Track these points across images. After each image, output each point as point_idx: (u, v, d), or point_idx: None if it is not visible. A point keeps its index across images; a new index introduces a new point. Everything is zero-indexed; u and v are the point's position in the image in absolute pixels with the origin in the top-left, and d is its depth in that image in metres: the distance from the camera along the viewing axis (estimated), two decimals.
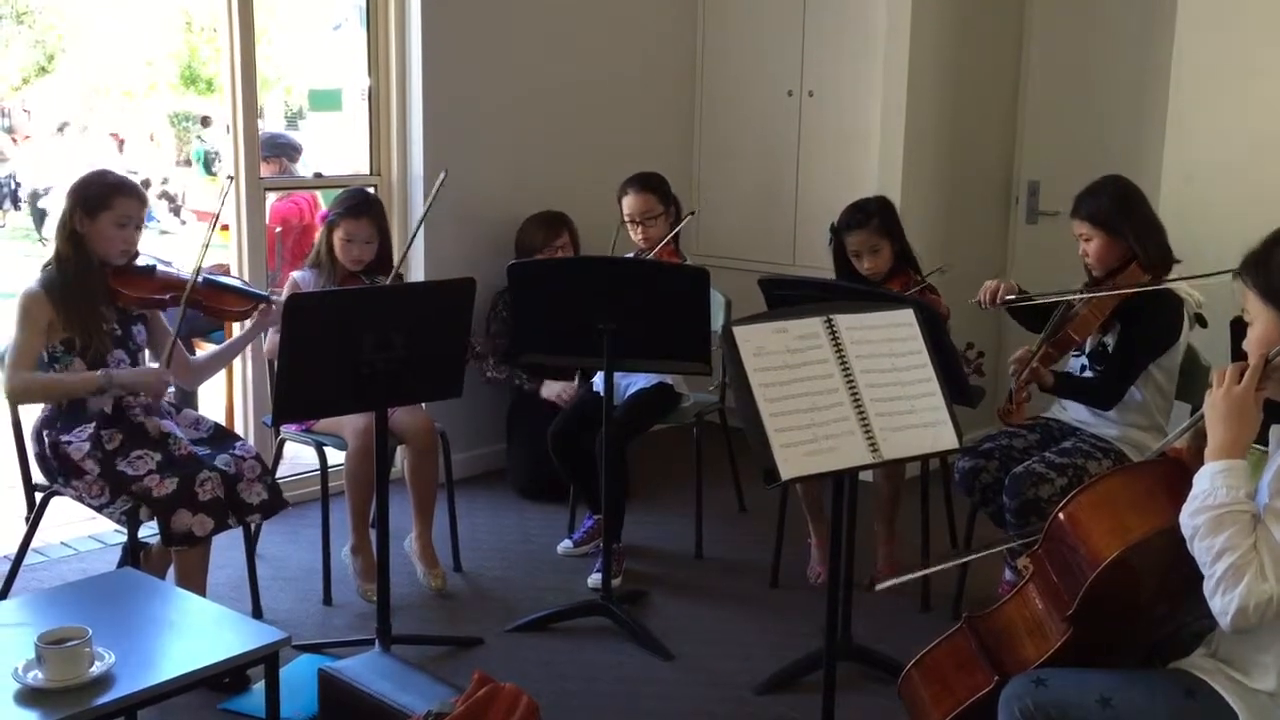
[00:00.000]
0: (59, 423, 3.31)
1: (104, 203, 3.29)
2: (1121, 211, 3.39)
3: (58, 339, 3.28)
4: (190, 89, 19.66)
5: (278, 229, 5.47)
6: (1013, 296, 3.50)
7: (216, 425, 3.57)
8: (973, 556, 2.79)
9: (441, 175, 3.63)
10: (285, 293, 3.82)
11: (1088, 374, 3.49)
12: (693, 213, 4.37)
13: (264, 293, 3.69)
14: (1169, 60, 4.28)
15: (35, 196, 15.20)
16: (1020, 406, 3.30)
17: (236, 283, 3.67)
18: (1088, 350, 3.50)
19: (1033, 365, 3.29)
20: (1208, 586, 1.95)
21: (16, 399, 3.32)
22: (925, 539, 3.85)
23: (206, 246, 3.43)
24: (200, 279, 3.44)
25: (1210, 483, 1.98)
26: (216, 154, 15.79)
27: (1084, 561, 2.14)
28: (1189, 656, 2.15)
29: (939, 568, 2.80)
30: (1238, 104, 4.12)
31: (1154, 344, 3.39)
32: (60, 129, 17.37)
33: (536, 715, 1.88)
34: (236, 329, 3.72)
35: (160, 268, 3.45)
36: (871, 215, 3.80)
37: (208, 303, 3.48)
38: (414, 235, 4.00)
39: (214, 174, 16.42)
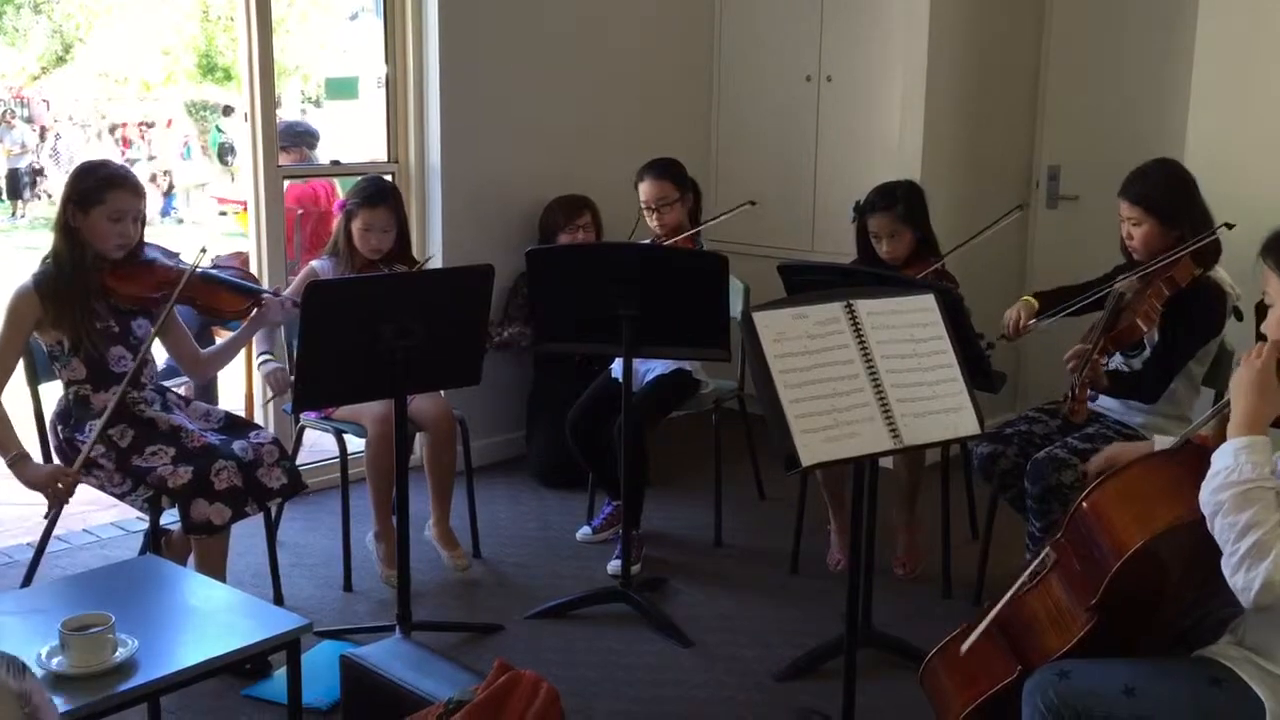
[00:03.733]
0: (71, 419, 3.32)
1: (97, 197, 3.23)
2: (1178, 200, 3.31)
3: (54, 338, 3.27)
4: (208, 78, 19.71)
5: (299, 212, 5.47)
6: (1033, 321, 3.47)
7: (228, 414, 3.56)
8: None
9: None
10: (299, 280, 3.83)
11: (1119, 364, 3.45)
12: (753, 202, 4.31)
13: (261, 288, 3.64)
14: (1192, 43, 4.24)
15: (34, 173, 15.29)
16: (1084, 403, 3.23)
17: (235, 278, 3.58)
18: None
19: (1094, 359, 3.18)
20: (1229, 563, 1.93)
21: None
22: (945, 525, 3.84)
23: (201, 257, 3.42)
24: (198, 274, 3.39)
25: (1234, 459, 1.96)
26: (232, 144, 15.88)
27: (1108, 551, 2.12)
28: (1214, 645, 2.13)
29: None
30: (1261, 87, 4.08)
31: (1199, 337, 3.34)
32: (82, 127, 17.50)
33: (556, 702, 1.88)
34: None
35: (161, 261, 3.41)
36: (896, 201, 3.77)
37: (201, 300, 3.44)
38: (426, 260, 4.05)
39: (227, 164, 16.51)
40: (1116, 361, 3.44)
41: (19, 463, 3.22)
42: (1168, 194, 3.32)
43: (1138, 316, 3.23)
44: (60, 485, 3.20)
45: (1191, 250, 3.24)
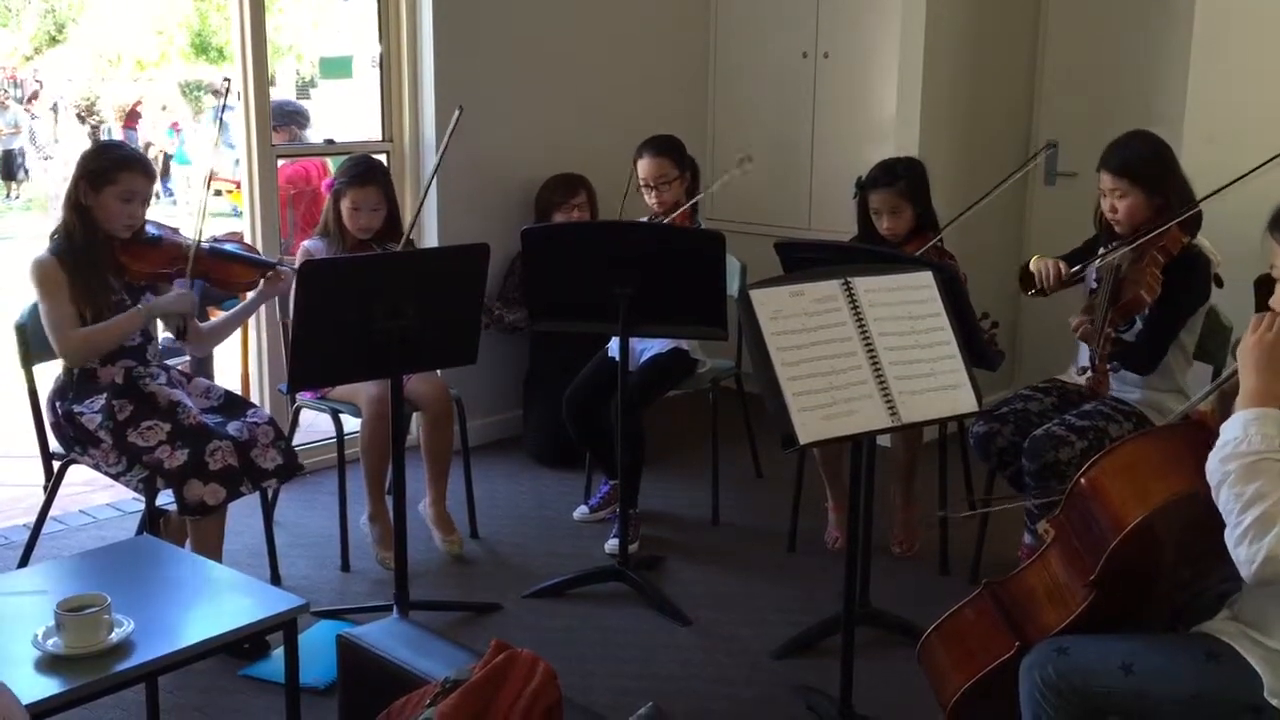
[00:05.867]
0: (70, 394, 3.32)
1: (109, 177, 3.26)
2: (1160, 169, 3.34)
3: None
4: (201, 57, 19.62)
5: (291, 191, 5.44)
6: (1076, 269, 3.43)
7: (227, 393, 3.56)
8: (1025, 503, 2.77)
9: (456, 113, 3.58)
10: (297, 262, 3.81)
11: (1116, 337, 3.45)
12: (749, 158, 4.14)
13: (272, 260, 3.66)
14: (1190, 18, 4.22)
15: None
16: (1106, 374, 3.23)
17: (244, 252, 3.63)
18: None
19: (1106, 333, 3.20)
20: (1232, 535, 1.90)
21: (79, 359, 3.29)
22: (943, 503, 3.84)
23: (204, 212, 3.41)
24: (206, 248, 3.42)
25: (1244, 430, 1.93)
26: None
27: (1106, 527, 2.12)
28: (1211, 620, 2.13)
29: (1003, 506, 2.80)
30: (1260, 62, 4.06)
31: (1189, 304, 3.37)
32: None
33: (554, 681, 1.87)
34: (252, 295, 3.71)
35: (168, 238, 3.43)
36: (899, 177, 3.76)
37: (214, 274, 3.47)
38: (430, 182, 3.97)
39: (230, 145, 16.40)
40: None
41: (150, 309, 3.33)
42: (1150, 163, 3.34)
43: (1141, 288, 3.24)
44: (189, 302, 3.40)
45: (1180, 219, 3.26)
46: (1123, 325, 3.35)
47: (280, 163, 4.99)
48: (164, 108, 18.15)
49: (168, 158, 16.00)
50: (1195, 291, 3.36)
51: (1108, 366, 3.23)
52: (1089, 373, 3.20)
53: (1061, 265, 3.44)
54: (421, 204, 4.08)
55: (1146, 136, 3.44)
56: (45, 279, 3.25)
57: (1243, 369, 2.01)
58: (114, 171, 3.27)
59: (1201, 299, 3.39)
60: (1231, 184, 3.20)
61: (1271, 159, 3.04)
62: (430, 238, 4.76)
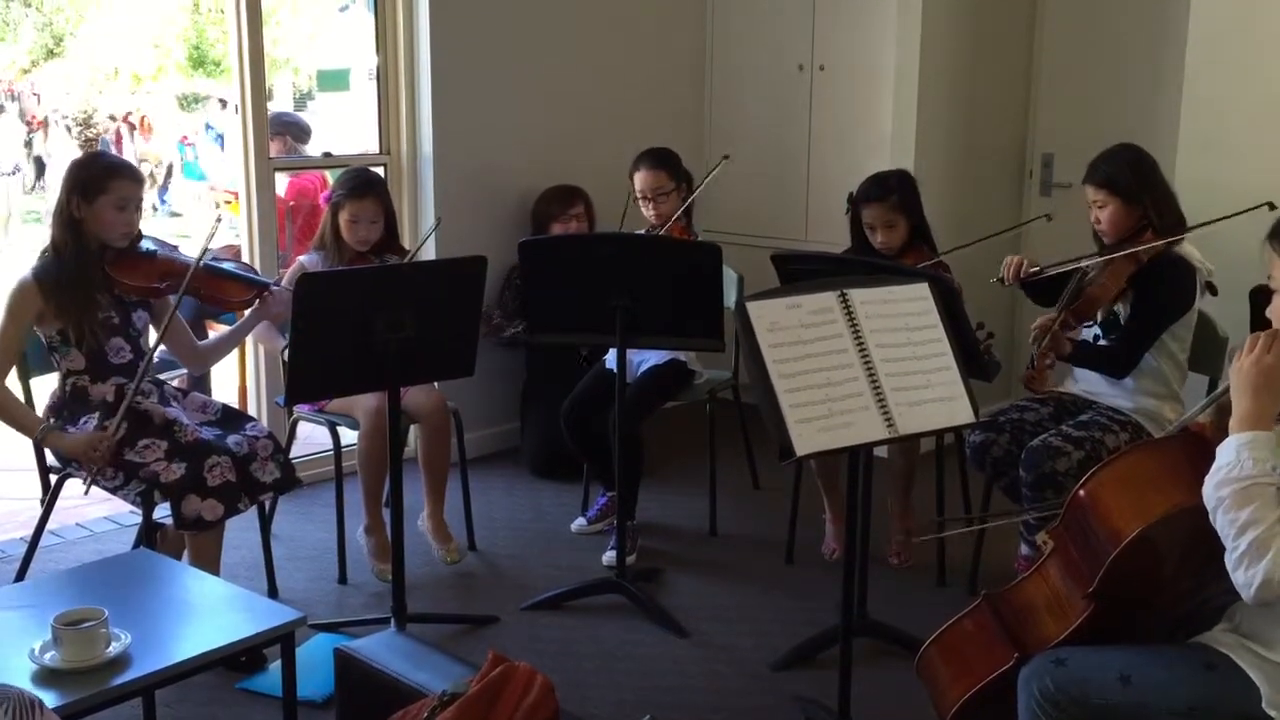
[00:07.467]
0: (65, 411, 3.31)
1: (101, 186, 3.24)
2: (1139, 178, 3.39)
3: (54, 328, 3.26)
4: (199, 71, 19.64)
5: (289, 204, 5.45)
6: (1035, 269, 3.49)
7: (225, 407, 3.55)
8: (1019, 518, 2.82)
9: (435, 222, 3.76)
10: (289, 277, 3.81)
11: (1100, 343, 3.48)
12: (726, 156, 4.25)
13: (267, 280, 3.64)
14: (1184, 28, 4.24)
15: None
16: (1043, 373, 3.30)
17: (239, 270, 3.60)
18: (1100, 319, 3.48)
19: (1054, 331, 3.29)
20: (1230, 560, 1.92)
21: None
22: (940, 514, 3.84)
23: (211, 232, 3.40)
24: (201, 266, 3.39)
25: (1236, 454, 1.94)
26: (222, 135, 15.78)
27: (1105, 539, 2.12)
28: (1210, 631, 2.13)
29: (999, 522, 2.86)
30: (1254, 71, 4.08)
31: (1168, 311, 3.39)
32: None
33: (551, 694, 1.87)
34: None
35: (162, 253, 3.40)
36: (891, 191, 3.77)
37: (207, 291, 3.43)
38: (419, 247, 3.99)
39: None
40: (1095, 337, 3.48)
41: (49, 436, 3.24)
42: (1128, 173, 3.39)
43: (1097, 292, 3.32)
44: (97, 451, 3.17)
45: (1153, 230, 3.33)
46: (1075, 326, 3.40)
47: (288, 178, 5.00)
48: (143, 117, 18.06)
49: (170, 170, 16.01)
50: (1175, 298, 3.38)
51: (1045, 365, 3.32)
52: (1029, 369, 3.27)
53: (1025, 263, 3.51)
54: (420, 247, 4.06)
55: (1128, 149, 3.48)
56: (12, 306, 3.22)
57: (1235, 391, 2.01)
58: (105, 180, 3.25)
59: (1183, 307, 3.39)
60: (1212, 223, 3.28)
61: (1248, 209, 3.10)
62: (428, 249, 4.75)
